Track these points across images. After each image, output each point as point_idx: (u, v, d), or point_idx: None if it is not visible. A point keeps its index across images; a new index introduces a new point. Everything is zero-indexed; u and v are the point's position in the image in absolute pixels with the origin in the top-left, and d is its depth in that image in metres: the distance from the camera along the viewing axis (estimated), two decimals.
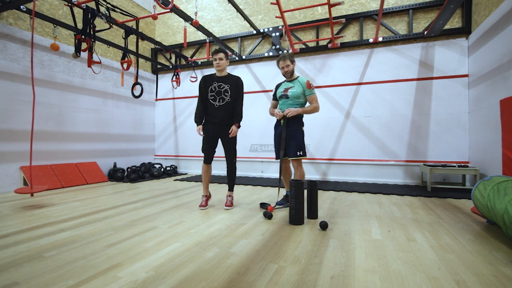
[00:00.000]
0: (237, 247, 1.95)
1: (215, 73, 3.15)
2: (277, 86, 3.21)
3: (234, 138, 3.14)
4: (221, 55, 3.05)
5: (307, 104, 3.09)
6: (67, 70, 4.93)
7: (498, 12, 3.54)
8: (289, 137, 2.97)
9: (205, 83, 3.13)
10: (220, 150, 3.20)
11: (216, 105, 3.06)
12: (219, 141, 3.19)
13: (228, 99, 3.06)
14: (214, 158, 3.19)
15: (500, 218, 1.98)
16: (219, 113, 3.06)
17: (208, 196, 3.22)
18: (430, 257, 1.77)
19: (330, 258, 1.76)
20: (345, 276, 1.52)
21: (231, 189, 3.23)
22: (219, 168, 5.93)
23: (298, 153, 2.91)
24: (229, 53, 5.98)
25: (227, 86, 3.06)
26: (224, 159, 3.16)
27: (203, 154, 3.16)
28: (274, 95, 3.23)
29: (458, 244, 2.00)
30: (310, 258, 1.76)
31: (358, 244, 2.02)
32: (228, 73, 3.16)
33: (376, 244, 2.02)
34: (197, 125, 3.13)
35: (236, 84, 3.10)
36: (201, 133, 3.10)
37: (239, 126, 3.12)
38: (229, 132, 3.06)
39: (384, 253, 1.84)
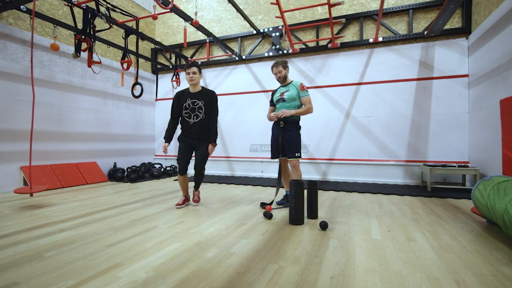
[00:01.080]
0: (237, 247, 1.95)
1: (188, 89, 3.12)
2: (273, 92, 3.30)
3: (206, 149, 3.14)
4: (195, 69, 3.00)
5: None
6: (67, 70, 4.93)
7: (498, 12, 3.54)
8: (286, 140, 3.05)
9: (179, 100, 3.11)
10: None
11: (191, 122, 3.06)
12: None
13: (202, 116, 3.05)
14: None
15: (500, 218, 1.98)
16: (193, 129, 3.08)
17: (186, 198, 3.28)
18: (430, 257, 1.77)
19: (330, 258, 1.76)
20: (345, 276, 1.52)
21: (197, 188, 3.32)
22: (219, 168, 5.95)
23: (296, 155, 3.00)
24: (229, 52, 5.98)
25: (201, 102, 3.04)
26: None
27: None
28: (271, 101, 3.30)
29: (458, 244, 2.00)
30: (310, 258, 1.76)
31: (358, 244, 2.02)
32: (202, 88, 3.13)
33: (376, 244, 2.02)
34: (165, 142, 3.15)
35: (210, 99, 3.07)
36: (166, 151, 3.11)
37: (215, 145, 3.16)
38: (206, 150, 3.10)
39: (384, 253, 1.84)
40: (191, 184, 3.55)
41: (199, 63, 6.42)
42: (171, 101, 6.83)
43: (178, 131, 3.27)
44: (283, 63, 3.10)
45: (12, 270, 1.59)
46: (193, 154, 3.20)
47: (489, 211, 2.20)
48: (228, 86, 6.20)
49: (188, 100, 3.05)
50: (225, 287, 1.41)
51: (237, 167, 5.97)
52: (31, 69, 3.18)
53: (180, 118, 3.16)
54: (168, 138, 3.16)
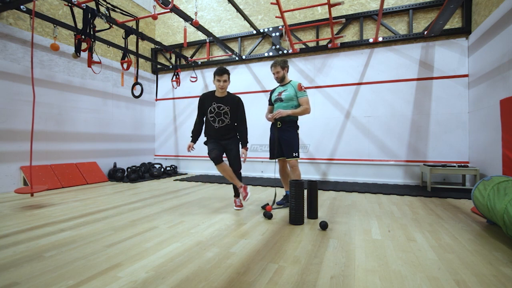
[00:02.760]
0: (237, 247, 1.95)
1: (214, 92, 3.02)
2: (271, 92, 3.29)
3: (238, 147, 3.08)
4: (226, 77, 2.91)
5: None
6: (67, 70, 4.93)
7: (498, 12, 3.54)
8: (284, 140, 3.05)
9: (204, 103, 3.02)
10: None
11: (216, 126, 2.99)
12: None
13: (228, 121, 2.98)
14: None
15: (500, 218, 1.98)
16: (219, 134, 3.02)
17: (244, 186, 3.08)
18: (430, 257, 1.77)
19: (330, 258, 1.76)
20: (345, 276, 1.52)
21: (238, 195, 3.19)
22: None
23: (294, 155, 3.00)
24: (229, 52, 5.98)
25: (227, 108, 2.96)
26: (224, 159, 3.11)
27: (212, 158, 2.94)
28: (269, 100, 3.30)
29: (458, 244, 2.00)
30: (310, 258, 1.76)
31: (358, 244, 2.02)
32: (228, 93, 3.05)
33: (376, 244, 2.02)
34: (191, 141, 3.08)
35: (236, 106, 3.00)
36: (190, 150, 3.03)
37: (247, 149, 3.09)
38: (238, 150, 3.04)
39: (384, 253, 1.84)
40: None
41: (199, 63, 6.43)
42: (171, 101, 6.86)
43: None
44: (282, 63, 3.09)
45: (12, 270, 1.59)
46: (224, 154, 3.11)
47: (489, 211, 2.20)
48: (229, 86, 6.18)
49: (214, 104, 2.96)
50: (225, 287, 1.41)
51: None
52: (31, 69, 3.18)
53: (206, 122, 3.08)
54: (194, 137, 3.10)
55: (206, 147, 3.07)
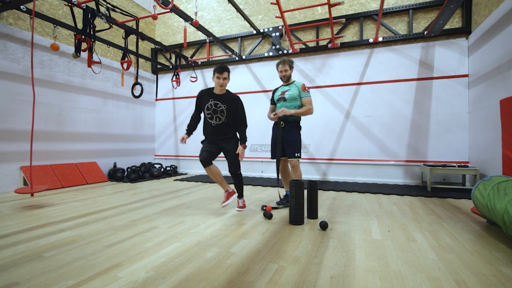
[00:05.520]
0: (237, 247, 1.95)
1: (212, 88, 2.98)
2: (274, 91, 3.28)
3: (236, 148, 2.98)
4: (226, 74, 2.86)
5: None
6: (67, 70, 4.93)
7: (498, 12, 3.54)
8: (287, 140, 3.04)
9: (202, 99, 2.99)
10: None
11: (213, 123, 2.94)
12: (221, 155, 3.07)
13: (224, 120, 2.92)
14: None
15: (500, 218, 1.98)
16: (217, 132, 2.97)
17: (229, 192, 3.05)
18: (430, 257, 1.77)
19: (330, 258, 1.76)
20: (345, 276, 1.52)
21: (240, 196, 3.12)
22: (219, 168, 5.89)
23: (296, 155, 3.00)
24: (229, 52, 5.98)
25: (224, 106, 2.91)
26: (224, 159, 3.08)
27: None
28: (272, 99, 3.29)
29: (458, 244, 2.00)
30: (310, 258, 1.76)
31: (358, 244, 2.02)
32: (227, 91, 2.99)
33: (376, 244, 2.02)
34: (185, 134, 3.05)
35: (235, 105, 2.95)
36: (184, 142, 2.99)
37: (245, 146, 2.99)
38: (235, 149, 2.95)
39: (384, 253, 1.84)
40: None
41: (199, 63, 6.43)
42: (171, 101, 6.86)
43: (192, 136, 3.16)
44: (290, 63, 3.08)
45: (12, 270, 1.59)
46: (220, 154, 3.07)
47: (489, 211, 2.20)
48: (228, 86, 6.07)
49: (211, 101, 2.92)
50: (225, 287, 1.41)
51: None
52: (31, 69, 3.18)
53: (203, 119, 3.05)
54: (189, 131, 3.06)
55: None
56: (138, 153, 6.49)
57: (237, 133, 3.06)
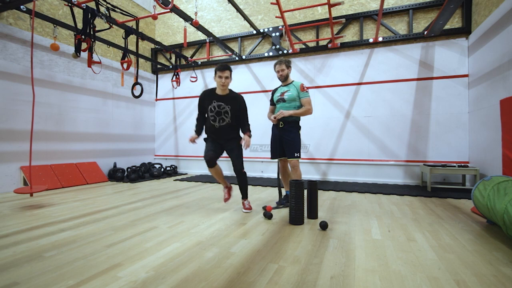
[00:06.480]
0: (237, 247, 1.95)
1: (214, 89, 2.93)
2: (273, 92, 3.27)
3: (240, 146, 2.98)
4: (228, 73, 2.79)
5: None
6: (67, 70, 4.93)
7: (498, 12, 3.54)
8: (286, 140, 3.04)
9: (204, 102, 2.95)
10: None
11: (217, 125, 2.89)
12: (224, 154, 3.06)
13: (229, 121, 2.88)
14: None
15: (500, 218, 1.98)
16: (220, 133, 2.94)
17: (229, 187, 3.08)
18: (430, 257, 1.77)
19: (330, 258, 1.76)
20: (345, 276, 1.52)
21: (245, 197, 3.08)
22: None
23: (296, 155, 3.00)
24: (229, 52, 5.98)
25: (228, 107, 2.85)
26: (224, 159, 3.08)
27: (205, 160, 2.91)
28: (271, 100, 3.29)
29: (458, 244, 2.00)
30: (310, 258, 1.76)
31: (358, 244, 2.02)
32: (230, 91, 2.93)
33: (376, 244, 2.02)
34: (195, 134, 3.02)
35: (238, 105, 2.90)
36: (195, 141, 2.97)
37: (250, 135, 2.94)
38: (239, 147, 2.94)
39: (384, 253, 1.84)
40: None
41: (199, 63, 6.43)
42: (171, 101, 6.86)
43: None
44: (287, 62, 3.08)
45: (12, 270, 1.59)
46: (224, 154, 3.05)
47: (489, 211, 2.20)
48: (230, 83, 6.19)
49: (214, 102, 2.85)
50: (225, 287, 1.41)
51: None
52: (31, 69, 3.18)
53: (206, 120, 3.01)
54: (198, 131, 3.03)
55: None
56: (138, 153, 6.49)
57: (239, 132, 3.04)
